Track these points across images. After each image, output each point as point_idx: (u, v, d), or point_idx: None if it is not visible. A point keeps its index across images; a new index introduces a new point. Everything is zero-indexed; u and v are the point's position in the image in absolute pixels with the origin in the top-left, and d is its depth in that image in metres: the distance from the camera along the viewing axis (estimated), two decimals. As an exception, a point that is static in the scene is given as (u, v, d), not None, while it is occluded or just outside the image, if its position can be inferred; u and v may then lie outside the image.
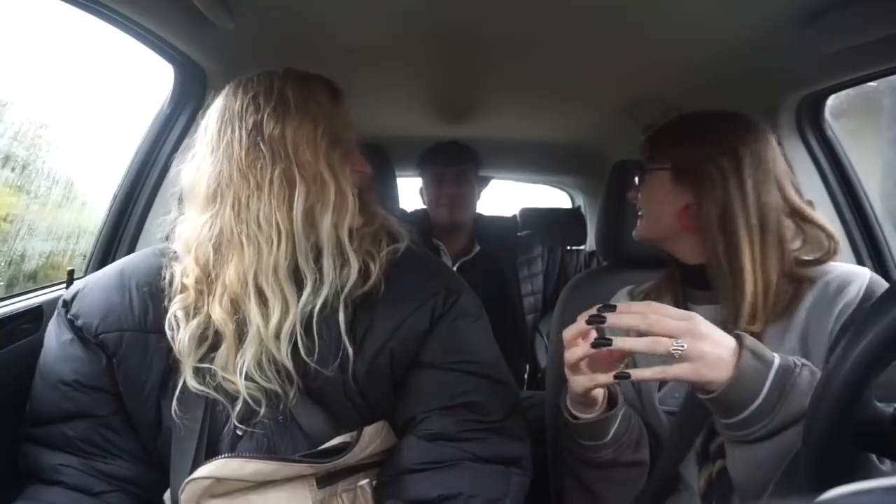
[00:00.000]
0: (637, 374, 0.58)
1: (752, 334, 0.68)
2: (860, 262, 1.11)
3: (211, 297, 0.66)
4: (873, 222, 1.11)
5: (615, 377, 0.59)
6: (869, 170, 1.18)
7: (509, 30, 1.03)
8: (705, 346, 0.56)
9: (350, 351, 0.67)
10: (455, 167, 1.60)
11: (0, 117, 1.00)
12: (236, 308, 0.66)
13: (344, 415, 0.70)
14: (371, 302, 0.70)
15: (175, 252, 0.70)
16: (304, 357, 0.66)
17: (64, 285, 0.96)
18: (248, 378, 0.65)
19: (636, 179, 0.85)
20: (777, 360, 0.57)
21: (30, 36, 1.00)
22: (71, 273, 0.96)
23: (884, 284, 0.69)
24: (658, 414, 0.78)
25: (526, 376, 1.75)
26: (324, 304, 0.67)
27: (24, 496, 0.66)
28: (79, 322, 0.68)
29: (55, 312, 0.72)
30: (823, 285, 0.69)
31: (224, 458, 0.63)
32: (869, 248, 1.12)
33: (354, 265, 0.68)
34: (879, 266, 1.10)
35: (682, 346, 0.55)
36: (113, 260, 1.11)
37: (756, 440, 0.57)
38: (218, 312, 0.65)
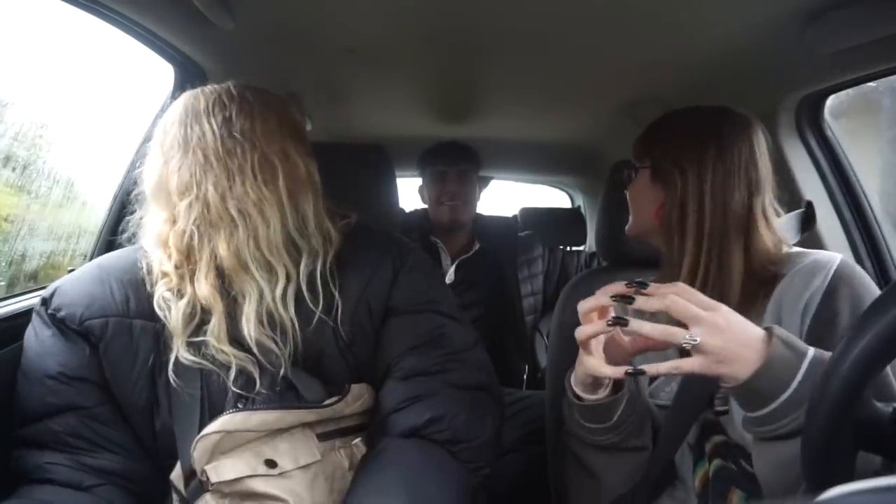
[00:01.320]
0: (651, 368, 0.56)
1: None
2: (859, 262, 1.11)
3: (195, 277, 0.70)
4: (872, 222, 1.11)
5: (628, 373, 0.58)
6: (868, 170, 1.18)
7: (509, 30, 1.03)
8: (720, 340, 0.54)
9: (339, 303, 0.74)
10: (457, 166, 1.60)
11: (0, 117, 1.00)
12: (228, 281, 0.71)
13: (336, 375, 0.75)
14: (339, 265, 0.76)
15: (146, 250, 0.73)
16: (295, 322, 0.71)
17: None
18: (244, 346, 0.70)
19: (628, 176, 0.86)
20: (811, 351, 0.55)
21: (30, 36, 1.00)
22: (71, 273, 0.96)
23: (854, 269, 0.68)
24: (650, 406, 0.79)
25: (525, 376, 1.75)
26: (314, 269, 0.74)
27: (15, 495, 0.66)
28: (61, 314, 0.70)
29: (33, 314, 0.73)
30: (790, 277, 0.69)
31: (229, 413, 0.67)
32: (868, 248, 1.12)
33: (334, 235, 0.76)
34: (878, 266, 1.10)
35: (695, 339, 0.53)
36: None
37: (783, 436, 0.55)
38: (205, 289, 0.69)
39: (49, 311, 0.71)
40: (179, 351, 0.68)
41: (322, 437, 0.72)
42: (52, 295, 0.72)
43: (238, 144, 0.71)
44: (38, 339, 0.71)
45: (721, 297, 0.71)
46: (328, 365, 0.75)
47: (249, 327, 0.69)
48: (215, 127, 0.71)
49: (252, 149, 0.72)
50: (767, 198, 0.74)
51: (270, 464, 0.66)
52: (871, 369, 0.41)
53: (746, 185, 0.73)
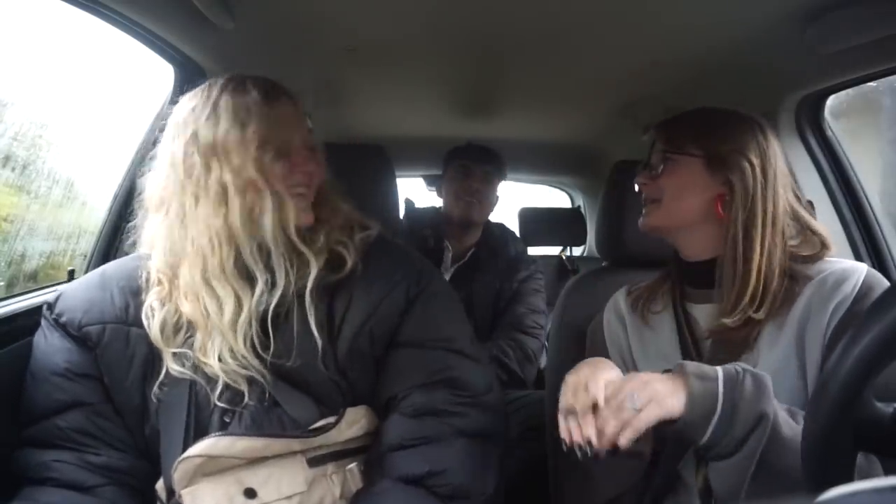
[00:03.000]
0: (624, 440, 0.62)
1: (753, 322, 0.71)
2: (859, 262, 1.12)
3: (177, 292, 0.70)
4: (873, 222, 1.11)
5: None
6: (869, 170, 1.18)
7: (509, 31, 1.03)
8: (653, 385, 0.62)
9: (319, 342, 0.70)
10: (482, 166, 1.61)
11: (0, 117, 1.00)
12: (199, 301, 0.70)
13: (327, 397, 0.72)
14: (349, 285, 0.73)
15: (148, 254, 0.74)
16: (260, 351, 0.69)
17: (64, 285, 0.96)
18: (222, 361, 0.69)
19: (658, 164, 0.80)
20: (720, 372, 0.61)
21: (30, 36, 1.00)
22: (71, 273, 0.96)
23: (881, 279, 0.69)
24: None
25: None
26: (282, 300, 0.70)
27: (17, 498, 0.66)
28: (63, 319, 0.72)
29: (42, 319, 0.75)
30: (820, 282, 0.70)
31: (214, 436, 0.65)
32: (868, 248, 1.12)
33: (313, 261, 0.71)
34: (879, 266, 1.11)
35: (635, 398, 0.61)
36: (113, 259, 1.12)
37: (730, 454, 0.60)
38: (186, 305, 0.69)
39: (53, 316, 0.73)
40: (168, 362, 0.69)
41: (313, 462, 0.69)
42: (56, 300, 0.74)
43: (197, 164, 0.68)
44: (46, 341, 0.73)
45: (765, 290, 0.72)
46: (317, 388, 0.72)
47: (215, 346, 0.69)
48: (182, 143, 0.69)
49: (209, 168, 0.68)
50: (794, 197, 0.77)
51: (250, 493, 0.64)
52: (871, 370, 0.41)
53: (790, 183, 0.76)
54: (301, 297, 0.71)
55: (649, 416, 0.61)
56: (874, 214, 1.12)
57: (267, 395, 0.70)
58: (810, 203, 1.08)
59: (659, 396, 0.60)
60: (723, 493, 0.63)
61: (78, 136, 1.20)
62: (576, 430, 0.64)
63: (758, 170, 0.74)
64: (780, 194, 0.74)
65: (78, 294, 0.74)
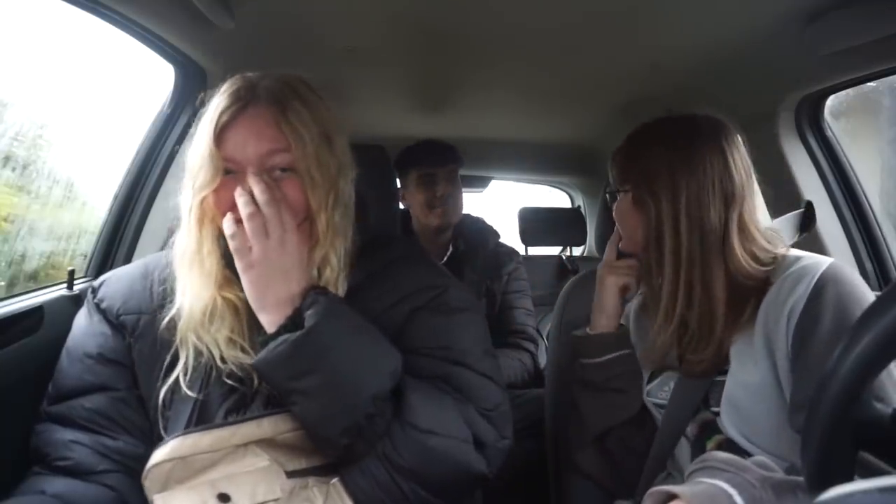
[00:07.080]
0: None
1: (698, 361, 0.74)
2: (859, 262, 1.12)
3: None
4: (872, 222, 1.11)
5: None
6: (868, 170, 1.18)
7: (509, 30, 1.03)
8: None
9: None
10: (446, 167, 1.51)
11: (0, 117, 1.00)
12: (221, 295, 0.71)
13: None
14: (358, 298, 0.72)
15: None
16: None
17: (65, 285, 0.96)
18: (233, 358, 0.68)
19: (608, 199, 0.87)
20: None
21: (30, 36, 1.00)
22: (72, 273, 0.96)
23: (842, 273, 0.66)
24: (650, 405, 0.82)
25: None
26: None
27: (18, 491, 0.66)
28: (103, 305, 0.75)
29: (85, 298, 0.77)
30: (779, 284, 0.69)
31: (178, 436, 0.64)
32: (868, 248, 1.12)
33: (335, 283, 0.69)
34: (879, 266, 1.11)
35: None
36: (113, 259, 1.12)
37: None
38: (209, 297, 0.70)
39: (95, 300, 0.75)
40: (189, 353, 0.69)
41: (293, 475, 0.67)
42: (100, 286, 0.77)
43: None
44: (87, 319, 0.75)
45: (708, 314, 0.72)
46: None
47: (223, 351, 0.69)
48: None
49: None
50: (746, 207, 0.73)
51: (223, 498, 0.63)
52: (870, 370, 0.41)
53: (722, 198, 0.72)
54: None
55: None
56: (874, 214, 1.12)
57: (271, 399, 0.70)
58: (810, 203, 1.09)
59: None
60: None
61: (78, 136, 1.20)
62: None
63: (665, 200, 0.73)
64: (710, 213, 0.71)
65: (121, 283, 0.76)
